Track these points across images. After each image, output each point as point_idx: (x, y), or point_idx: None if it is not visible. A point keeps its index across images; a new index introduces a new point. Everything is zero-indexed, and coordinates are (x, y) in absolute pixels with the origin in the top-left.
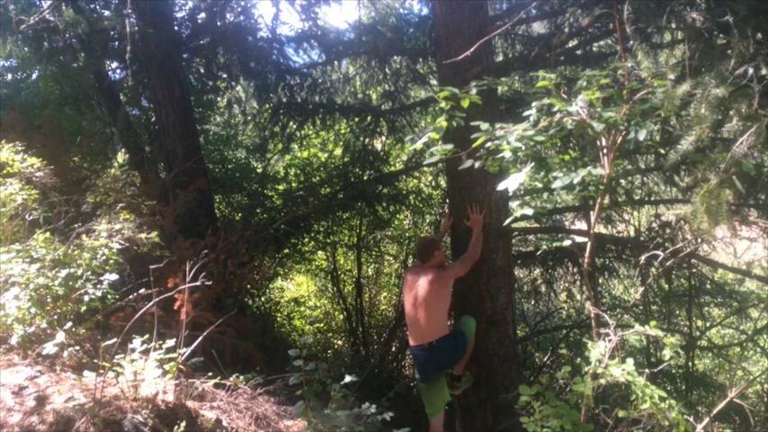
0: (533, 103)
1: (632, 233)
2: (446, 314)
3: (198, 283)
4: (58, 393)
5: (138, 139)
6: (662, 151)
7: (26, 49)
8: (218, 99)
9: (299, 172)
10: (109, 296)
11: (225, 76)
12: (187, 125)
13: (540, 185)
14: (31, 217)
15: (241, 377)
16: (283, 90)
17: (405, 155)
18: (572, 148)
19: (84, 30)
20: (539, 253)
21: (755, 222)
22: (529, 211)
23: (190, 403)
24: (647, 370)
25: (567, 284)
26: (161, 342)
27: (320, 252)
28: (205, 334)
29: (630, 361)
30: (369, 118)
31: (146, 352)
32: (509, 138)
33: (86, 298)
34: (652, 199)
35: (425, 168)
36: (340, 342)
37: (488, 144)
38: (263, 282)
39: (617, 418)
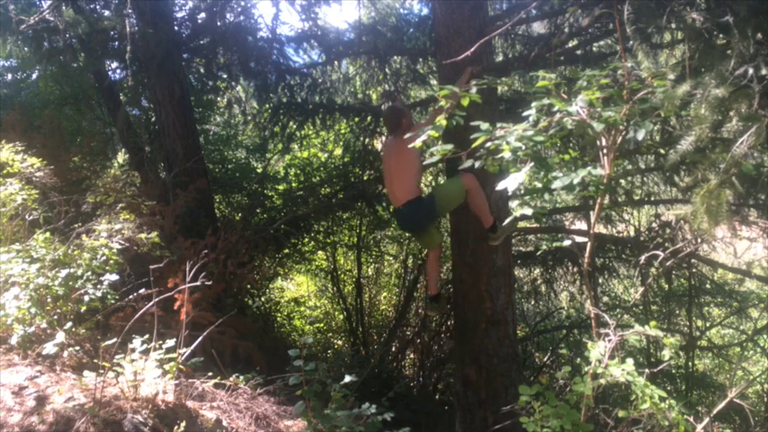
0: (533, 103)
1: (632, 233)
2: (413, 179)
3: (198, 283)
4: (58, 393)
5: (138, 139)
6: (662, 151)
7: (26, 49)
8: (218, 99)
9: (299, 172)
10: (109, 296)
11: (225, 76)
12: (187, 125)
13: (539, 185)
14: (31, 217)
15: (241, 377)
16: (283, 90)
17: None
18: (572, 148)
19: (84, 30)
20: (539, 253)
21: (755, 222)
22: (528, 212)
23: (190, 403)
24: (647, 370)
25: (566, 284)
26: (161, 342)
27: (320, 252)
28: (205, 334)
29: (630, 361)
30: (369, 118)
31: (146, 352)
32: (509, 138)
33: (86, 298)
34: (652, 199)
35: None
36: (340, 342)
37: (488, 144)
38: (263, 282)
39: (617, 418)
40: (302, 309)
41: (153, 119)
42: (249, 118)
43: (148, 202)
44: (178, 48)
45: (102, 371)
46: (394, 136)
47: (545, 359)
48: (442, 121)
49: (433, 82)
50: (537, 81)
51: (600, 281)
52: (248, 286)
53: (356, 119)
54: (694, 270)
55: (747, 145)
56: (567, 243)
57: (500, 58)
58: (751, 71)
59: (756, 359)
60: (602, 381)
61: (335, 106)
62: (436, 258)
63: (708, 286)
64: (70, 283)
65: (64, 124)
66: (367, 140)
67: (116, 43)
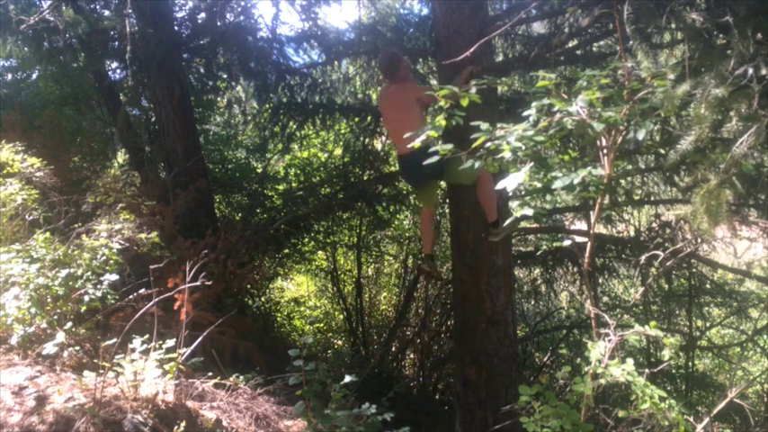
0: (533, 103)
1: (632, 233)
2: (418, 126)
3: (198, 283)
4: (58, 393)
5: (138, 139)
6: (662, 151)
7: (26, 49)
8: (218, 99)
9: (299, 172)
10: (109, 296)
11: (225, 76)
12: (187, 125)
13: (539, 185)
14: (31, 217)
15: (241, 377)
16: (283, 90)
17: None
18: (572, 148)
19: (84, 30)
20: (539, 253)
21: (755, 222)
22: (529, 212)
23: (190, 403)
24: (647, 370)
25: (566, 284)
26: (161, 342)
27: (320, 252)
28: (205, 334)
29: (630, 361)
30: (369, 118)
31: (146, 352)
32: (509, 138)
33: (86, 298)
34: (652, 199)
35: None
36: (340, 342)
37: (488, 144)
38: (263, 282)
39: (617, 418)
40: (302, 309)
41: (153, 119)
42: (249, 118)
43: (148, 202)
44: (178, 48)
45: (102, 371)
46: (391, 82)
47: (545, 359)
48: (441, 121)
49: (434, 82)
50: (537, 81)
51: (600, 281)
52: (248, 286)
53: (356, 119)
54: (694, 270)
55: (747, 145)
56: (567, 243)
57: (500, 58)
58: (751, 71)
59: (756, 359)
60: (602, 381)
61: (335, 106)
62: (430, 218)
63: (708, 286)
64: (70, 283)
65: (64, 124)
66: (367, 140)
67: (116, 43)
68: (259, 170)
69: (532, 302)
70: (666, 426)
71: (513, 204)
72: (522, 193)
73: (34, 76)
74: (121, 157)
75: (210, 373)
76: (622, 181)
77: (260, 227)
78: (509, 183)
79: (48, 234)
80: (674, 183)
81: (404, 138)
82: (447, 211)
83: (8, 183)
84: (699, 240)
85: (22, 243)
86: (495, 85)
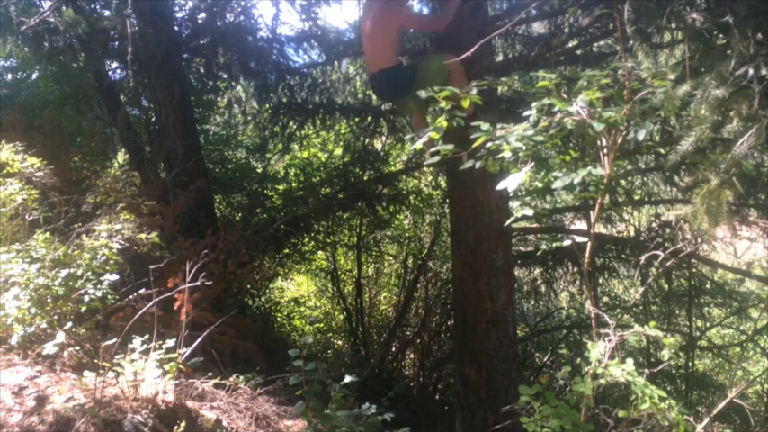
0: (533, 104)
1: (632, 233)
2: (390, 46)
3: (198, 283)
4: (58, 393)
5: (138, 139)
6: (662, 151)
7: (26, 49)
8: (218, 99)
9: (299, 172)
10: (109, 296)
11: (225, 76)
12: (187, 125)
13: (540, 186)
14: (31, 217)
15: (241, 377)
16: (283, 90)
17: (405, 155)
18: (572, 148)
19: (85, 30)
20: (539, 253)
21: (755, 222)
22: (529, 212)
23: (190, 403)
24: (647, 370)
25: (566, 284)
26: (161, 342)
27: (320, 252)
28: (205, 334)
29: (630, 361)
30: (369, 118)
31: (146, 352)
32: (509, 138)
33: (86, 298)
34: (652, 199)
35: (425, 168)
36: (340, 342)
37: (489, 144)
38: (263, 282)
39: (617, 418)
40: (302, 309)
41: (153, 119)
42: (249, 118)
43: (148, 202)
44: (178, 48)
45: (102, 371)
46: None
47: (545, 359)
48: (442, 122)
49: None
50: (537, 81)
51: (600, 281)
52: (248, 286)
53: (356, 119)
54: (694, 270)
55: (747, 145)
56: (567, 243)
57: (500, 58)
58: (751, 71)
59: (756, 359)
60: (602, 381)
61: (335, 106)
62: (422, 118)
63: (708, 286)
64: (70, 283)
65: (64, 124)
66: (367, 140)
67: (116, 43)
68: (259, 170)
69: (532, 302)
70: (666, 426)
71: (514, 205)
72: (523, 193)
73: (34, 76)
74: (121, 157)
75: (210, 373)
76: (622, 181)
77: (260, 227)
78: (509, 183)
79: (48, 234)
80: (674, 183)
81: (372, 57)
82: (447, 210)
83: (8, 183)
84: (699, 240)
85: (22, 243)
86: (496, 85)
